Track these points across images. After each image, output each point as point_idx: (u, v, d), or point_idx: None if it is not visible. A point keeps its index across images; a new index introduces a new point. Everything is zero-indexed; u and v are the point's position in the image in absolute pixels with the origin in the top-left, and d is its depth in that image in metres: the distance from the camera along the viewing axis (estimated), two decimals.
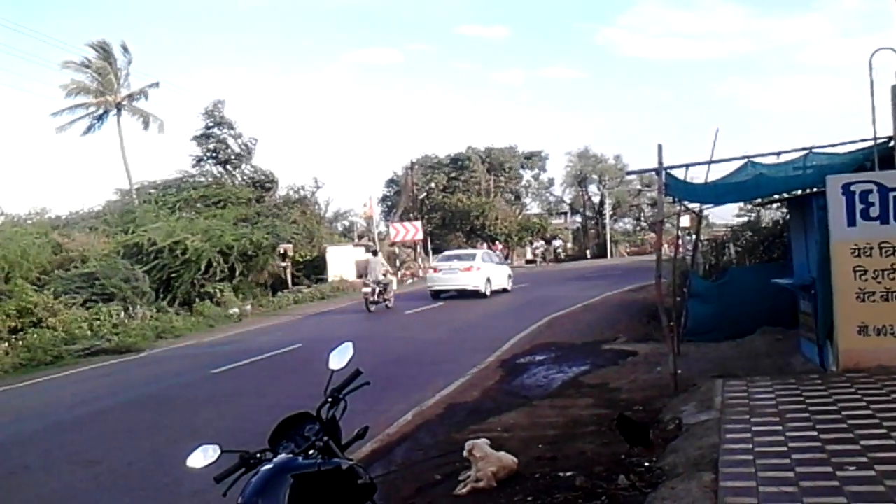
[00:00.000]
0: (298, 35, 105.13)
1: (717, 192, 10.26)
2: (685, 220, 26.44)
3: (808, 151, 9.48)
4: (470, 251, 32.74)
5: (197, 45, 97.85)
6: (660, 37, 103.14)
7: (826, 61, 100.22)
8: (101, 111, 44.04)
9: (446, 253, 33.09)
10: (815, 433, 6.23)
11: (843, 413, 6.77)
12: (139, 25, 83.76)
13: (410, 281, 38.12)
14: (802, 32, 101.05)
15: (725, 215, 22.94)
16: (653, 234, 61.32)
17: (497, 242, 49.16)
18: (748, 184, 9.65)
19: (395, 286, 27.82)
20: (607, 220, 64.90)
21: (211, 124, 42.60)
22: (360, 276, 36.75)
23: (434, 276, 28.21)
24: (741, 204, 18.71)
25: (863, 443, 5.82)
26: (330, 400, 3.69)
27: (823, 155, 9.60)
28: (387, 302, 25.17)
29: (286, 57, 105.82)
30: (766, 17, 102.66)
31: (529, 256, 56.91)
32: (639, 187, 66.20)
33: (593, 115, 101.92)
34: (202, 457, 3.48)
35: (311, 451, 3.55)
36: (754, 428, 6.57)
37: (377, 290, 24.79)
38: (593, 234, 65.75)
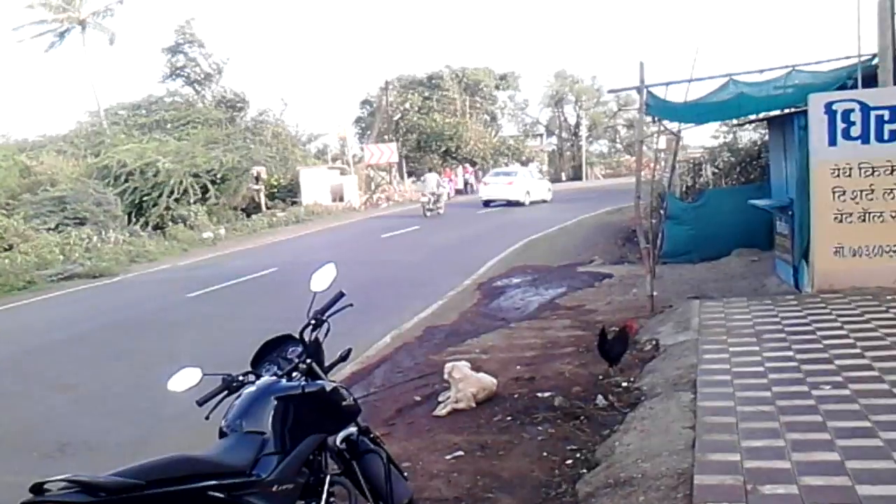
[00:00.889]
0: None
1: (699, 112, 10.15)
2: (661, 142, 26.42)
3: (790, 69, 9.37)
4: (513, 169, 39.07)
5: None
6: None
7: None
8: (63, 27, 42.72)
9: (495, 170, 40.37)
10: (791, 353, 6.29)
11: (819, 333, 6.84)
12: None
13: (385, 205, 37.85)
14: None
15: (701, 137, 22.94)
16: (628, 157, 61.37)
17: (466, 165, 48.58)
18: (730, 103, 9.54)
19: (446, 198, 32.95)
20: (583, 142, 64.49)
21: (181, 41, 41.46)
22: (334, 200, 36.55)
23: (484, 188, 34.68)
24: (717, 125, 18.67)
25: (837, 362, 5.88)
26: (313, 322, 3.65)
27: (806, 73, 9.49)
28: (439, 209, 30.12)
29: None
30: None
31: None
32: (615, 108, 65.73)
33: (568, 34, 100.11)
34: (183, 380, 3.43)
35: (295, 374, 3.52)
36: (731, 349, 6.62)
37: (432, 200, 30.02)
38: (569, 157, 65.35)
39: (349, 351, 3.96)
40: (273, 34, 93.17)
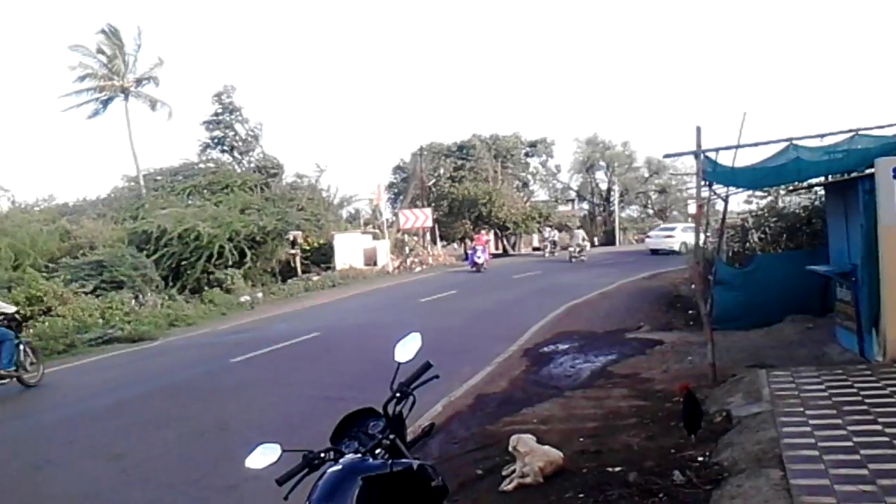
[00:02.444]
0: (306, 21, 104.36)
1: (757, 177, 9.95)
2: (692, 208, 26.27)
3: (853, 133, 9.14)
4: (673, 225, 45.44)
5: (203, 28, 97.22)
6: None
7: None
8: (107, 96, 43.60)
9: (661, 225, 48.87)
10: (878, 427, 5.95)
11: None
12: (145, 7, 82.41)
13: (419, 269, 37.74)
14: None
15: (733, 202, 22.51)
16: (660, 222, 61.12)
17: (480, 235, 47.23)
18: (788, 167, 9.30)
19: (588, 249, 41.67)
20: (615, 208, 64.51)
21: (220, 109, 42.20)
22: (367, 264, 36.53)
23: (650, 240, 42.35)
24: (749, 191, 18.32)
25: None
26: (398, 395, 3.44)
27: (869, 137, 9.25)
28: (583, 257, 37.39)
29: (292, 43, 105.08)
30: None
31: (536, 244, 56.03)
32: (646, 174, 65.91)
33: (600, 101, 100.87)
34: (262, 457, 3.25)
35: (378, 451, 3.30)
36: (811, 421, 6.29)
37: (578, 250, 37.88)
38: (600, 222, 65.26)
39: (432, 426, 3.76)
40: (308, 100, 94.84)
